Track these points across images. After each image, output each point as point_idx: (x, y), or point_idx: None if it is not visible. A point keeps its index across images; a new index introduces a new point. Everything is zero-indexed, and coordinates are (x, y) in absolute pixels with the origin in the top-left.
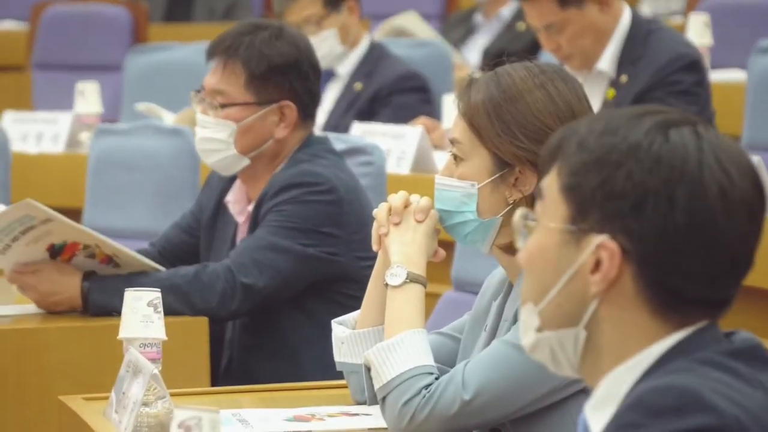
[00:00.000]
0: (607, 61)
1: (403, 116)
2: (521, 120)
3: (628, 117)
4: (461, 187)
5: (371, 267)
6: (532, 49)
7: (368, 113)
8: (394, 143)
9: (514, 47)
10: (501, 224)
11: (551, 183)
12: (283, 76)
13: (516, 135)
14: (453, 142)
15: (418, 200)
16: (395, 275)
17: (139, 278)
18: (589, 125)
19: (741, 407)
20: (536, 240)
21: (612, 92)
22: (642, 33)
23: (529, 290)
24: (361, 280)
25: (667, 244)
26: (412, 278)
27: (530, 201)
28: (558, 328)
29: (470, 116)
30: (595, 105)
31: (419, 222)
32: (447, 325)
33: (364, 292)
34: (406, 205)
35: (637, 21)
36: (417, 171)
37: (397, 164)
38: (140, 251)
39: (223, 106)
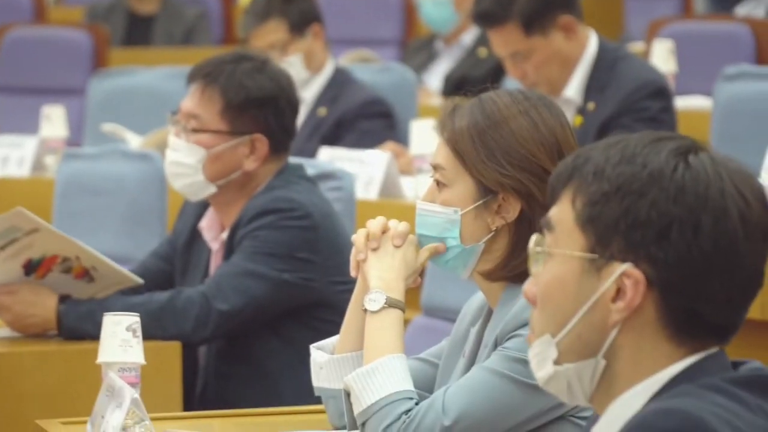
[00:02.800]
0: (574, 88)
1: (367, 142)
2: (505, 146)
3: (643, 143)
4: (444, 213)
5: (347, 292)
6: (495, 75)
7: (332, 138)
8: (361, 168)
9: (475, 74)
10: (482, 251)
11: (564, 214)
12: (260, 109)
13: (500, 161)
14: (436, 168)
15: (396, 225)
16: (374, 301)
17: (113, 303)
18: (604, 152)
19: None
20: (553, 270)
21: (579, 119)
22: (609, 60)
23: (546, 322)
24: (337, 305)
25: (692, 269)
26: (390, 303)
27: (513, 228)
28: (577, 359)
29: (454, 142)
30: None
31: (397, 247)
32: (417, 350)
33: (339, 317)
34: (385, 231)
35: (603, 48)
36: (384, 196)
37: (365, 189)
38: None
39: (195, 130)
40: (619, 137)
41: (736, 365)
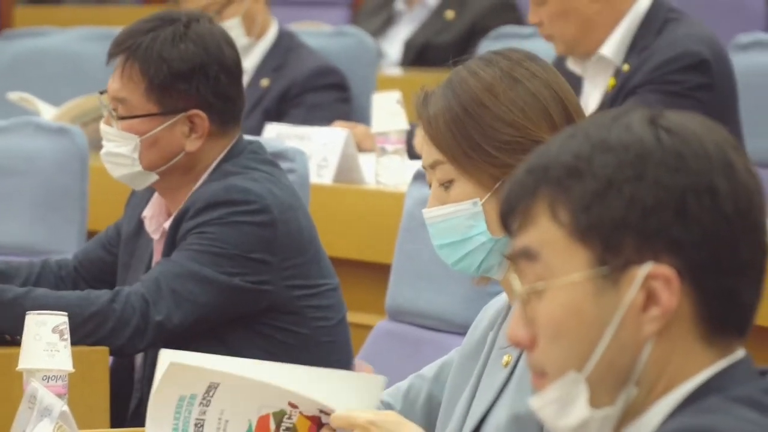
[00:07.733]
0: (612, 47)
1: (316, 117)
2: (487, 131)
3: (605, 126)
4: (463, 209)
5: (305, 297)
6: (463, 42)
7: (276, 113)
8: (312, 148)
9: (441, 39)
10: None
11: (548, 234)
12: (188, 82)
13: (486, 150)
14: (434, 166)
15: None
16: None
17: (37, 299)
18: (565, 149)
19: None
20: (556, 303)
21: (613, 81)
22: (658, 21)
23: (564, 359)
24: (293, 311)
25: (721, 240)
26: None
27: None
28: (614, 390)
29: (435, 139)
30: (597, 95)
31: None
32: (382, 359)
33: (294, 325)
34: None
35: (656, 7)
36: (341, 181)
37: (318, 173)
38: (58, 261)
39: (122, 117)
40: (567, 130)
41: (762, 373)
